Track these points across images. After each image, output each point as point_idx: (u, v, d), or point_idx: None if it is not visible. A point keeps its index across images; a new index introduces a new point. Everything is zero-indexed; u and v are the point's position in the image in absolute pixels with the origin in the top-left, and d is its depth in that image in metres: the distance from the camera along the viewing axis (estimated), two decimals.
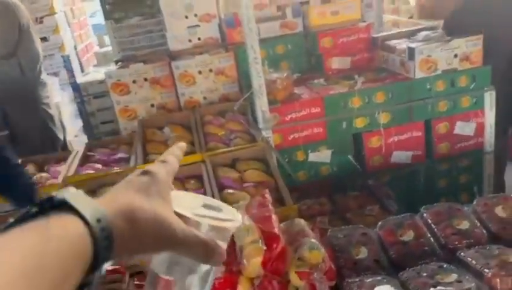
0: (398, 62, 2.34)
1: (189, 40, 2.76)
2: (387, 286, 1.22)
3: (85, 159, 2.20)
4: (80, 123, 4.04)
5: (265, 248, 1.21)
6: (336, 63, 2.55)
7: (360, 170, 2.31)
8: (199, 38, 2.76)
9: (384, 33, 2.61)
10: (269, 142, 2.16)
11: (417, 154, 2.33)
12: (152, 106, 2.59)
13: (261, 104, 2.12)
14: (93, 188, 1.89)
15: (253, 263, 1.19)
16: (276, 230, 1.25)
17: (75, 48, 4.68)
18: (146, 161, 2.09)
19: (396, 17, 4.90)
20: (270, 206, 1.38)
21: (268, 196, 1.45)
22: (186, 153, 2.17)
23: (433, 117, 2.29)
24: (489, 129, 2.32)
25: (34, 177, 2.08)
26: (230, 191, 1.86)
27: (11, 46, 2.91)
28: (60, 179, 1.95)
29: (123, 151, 2.24)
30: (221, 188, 1.88)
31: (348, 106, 2.21)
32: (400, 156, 2.31)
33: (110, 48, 4.11)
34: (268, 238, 1.24)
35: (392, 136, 2.27)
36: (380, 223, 1.52)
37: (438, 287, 1.16)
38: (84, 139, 3.87)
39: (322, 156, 2.27)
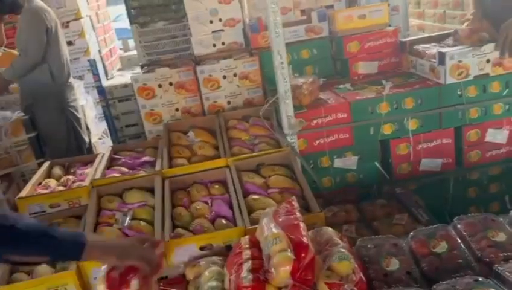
0: (428, 67, 2.28)
1: (214, 45, 2.76)
2: None
3: (111, 162, 2.21)
4: (103, 126, 4.09)
5: (294, 257, 1.18)
6: (363, 67, 2.51)
7: (387, 178, 2.26)
8: (223, 43, 2.76)
9: (413, 37, 2.56)
10: (294, 148, 2.14)
11: (447, 162, 2.27)
12: (177, 110, 2.59)
13: (287, 109, 2.09)
14: (119, 191, 1.90)
15: (281, 272, 1.17)
16: (305, 239, 1.22)
17: (99, 52, 4.75)
18: (171, 164, 2.09)
19: (422, 21, 4.82)
20: (298, 214, 1.35)
21: (295, 203, 1.42)
22: (211, 158, 2.17)
23: (464, 124, 2.23)
24: None
25: (61, 179, 2.10)
26: (255, 197, 1.84)
27: (42, 52, 2.97)
28: (87, 182, 1.96)
29: (148, 155, 2.25)
30: (246, 193, 1.86)
31: (376, 112, 2.16)
32: (429, 164, 2.25)
33: (134, 52, 4.15)
34: (297, 247, 1.21)
35: (420, 143, 2.22)
36: (411, 233, 1.47)
37: None
38: (107, 141, 3.92)
39: (348, 162, 2.23)
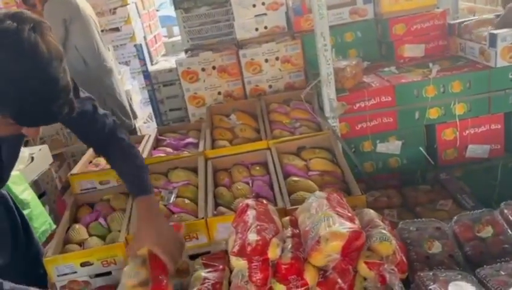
0: (478, 50, 2.20)
1: (256, 29, 2.77)
2: (463, 282, 1.16)
3: (157, 143, 2.29)
4: (148, 110, 4.22)
5: (348, 235, 1.16)
6: (409, 50, 2.45)
7: (432, 163, 2.21)
8: (265, 27, 2.76)
9: (462, 19, 2.46)
10: (335, 131, 2.13)
11: (495, 148, 2.19)
12: (219, 93, 2.64)
13: (329, 92, 2.08)
14: (164, 170, 1.97)
15: (333, 245, 1.14)
16: (358, 227, 1.21)
17: (145, 38, 4.88)
18: (213, 146, 2.14)
19: (473, 4, 4.61)
20: (350, 209, 1.34)
21: (344, 199, 1.39)
22: (252, 140, 2.19)
23: None
24: None
25: None
26: (295, 178, 1.85)
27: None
28: None
29: (192, 137, 2.31)
30: (287, 175, 1.88)
31: (422, 96, 2.11)
32: (476, 150, 2.18)
33: (178, 38, 4.24)
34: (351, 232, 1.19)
35: (468, 128, 2.15)
36: (455, 217, 1.44)
37: None
38: (152, 125, 4.04)
39: (392, 147, 2.19)
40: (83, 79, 3.06)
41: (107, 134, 1.47)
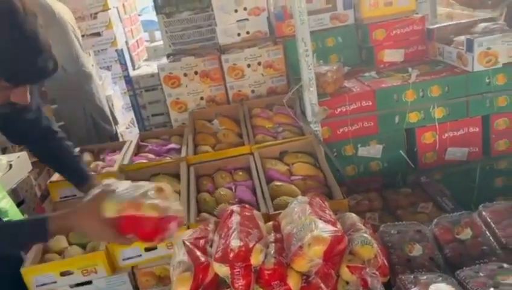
0: (455, 55, 2.24)
1: (238, 34, 2.77)
2: (443, 284, 1.18)
3: (138, 149, 2.27)
4: (130, 115, 4.17)
5: (330, 239, 1.17)
6: (389, 55, 2.48)
7: (412, 166, 2.24)
8: (248, 32, 2.77)
9: (440, 24, 2.51)
10: (318, 136, 2.14)
11: (474, 151, 2.23)
12: (202, 98, 2.63)
13: (310, 97, 2.09)
14: (146, 177, 1.96)
15: (316, 249, 1.14)
16: (340, 231, 1.21)
17: (127, 43, 4.83)
18: (196, 151, 2.13)
19: (451, 9, 4.70)
20: (332, 213, 1.34)
21: (326, 203, 1.40)
22: (235, 145, 2.20)
23: (492, 112, 2.19)
24: None
25: (91, 165, 2.17)
26: (278, 183, 1.86)
27: None
28: (115, 167, 2.02)
29: (174, 142, 2.29)
30: (269, 180, 1.88)
31: (401, 100, 2.14)
32: (455, 153, 2.22)
33: (160, 43, 4.21)
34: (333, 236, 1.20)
35: (447, 131, 2.19)
36: (435, 220, 1.47)
37: (500, 288, 1.10)
38: (135, 130, 3.99)
39: (373, 151, 2.22)
40: (61, 85, 3.03)
41: (43, 130, 1.59)
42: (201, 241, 1.31)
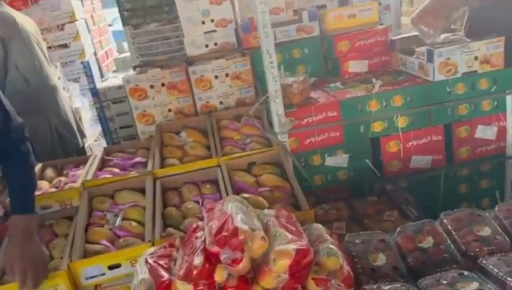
0: (417, 65, 2.30)
1: (206, 46, 2.77)
2: None
3: (103, 164, 2.23)
4: (99, 128, 4.10)
5: (295, 253, 1.16)
6: (353, 66, 2.53)
7: (378, 175, 2.27)
8: (216, 44, 2.77)
9: (402, 35, 2.57)
10: (285, 147, 2.15)
11: (437, 158, 2.29)
12: (169, 110, 2.61)
13: (277, 108, 2.11)
14: (110, 192, 1.92)
15: (281, 263, 1.13)
16: (306, 245, 1.21)
17: (95, 54, 4.76)
18: (162, 165, 2.10)
19: None
20: (299, 224, 1.34)
21: (293, 215, 1.40)
22: (203, 158, 2.18)
23: (453, 121, 2.25)
24: (511, 133, 2.27)
25: (53, 181, 2.12)
26: (245, 195, 1.85)
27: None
28: (78, 183, 1.97)
29: (140, 156, 2.26)
30: (237, 192, 1.88)
31: (366, 110, 2.18)
32: (419, 161, 2.27)
33: (129, 54, 4.17)
34: (299, 250, 1.19)
35: (410, 140, 2.24)
36: (398, 229, 1.49)
37: None
38: (103, 143, 3.92)
39: (339, 160, 2.24)
40: (24, 98, 2.94)
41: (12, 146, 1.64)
42: (165, 259, 1.29)
